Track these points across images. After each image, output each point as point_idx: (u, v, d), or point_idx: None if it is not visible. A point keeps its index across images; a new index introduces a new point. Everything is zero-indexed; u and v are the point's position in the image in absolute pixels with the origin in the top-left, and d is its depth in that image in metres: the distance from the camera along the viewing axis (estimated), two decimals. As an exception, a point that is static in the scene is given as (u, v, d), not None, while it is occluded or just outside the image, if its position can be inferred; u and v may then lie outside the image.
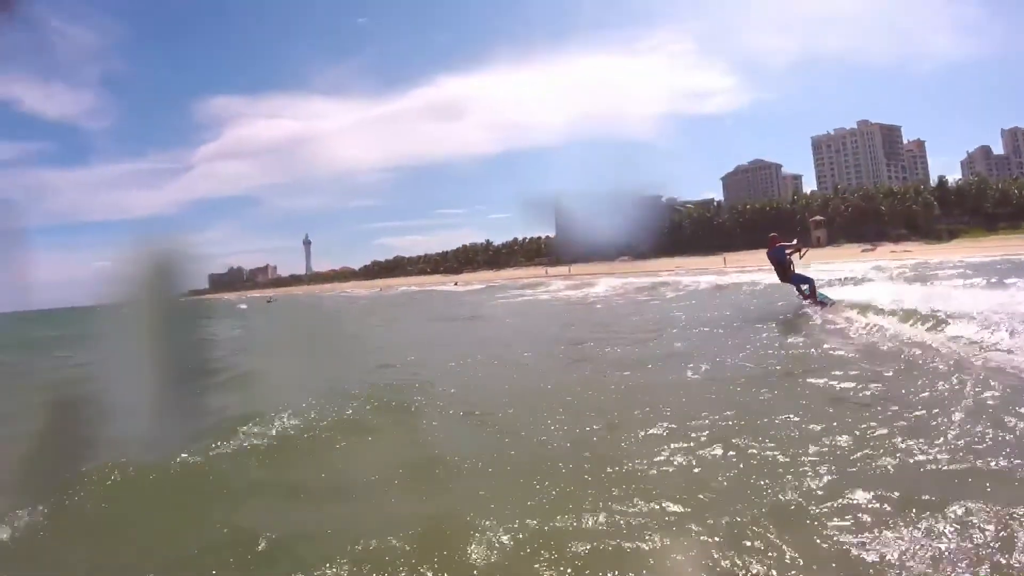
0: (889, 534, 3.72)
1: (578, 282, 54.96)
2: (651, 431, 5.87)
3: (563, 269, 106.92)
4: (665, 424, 6.00)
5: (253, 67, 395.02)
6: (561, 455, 5.41)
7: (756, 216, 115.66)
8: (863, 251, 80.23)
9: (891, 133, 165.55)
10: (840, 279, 21.78)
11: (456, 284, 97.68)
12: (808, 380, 7.61)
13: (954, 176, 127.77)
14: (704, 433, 5.68)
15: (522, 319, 22.77)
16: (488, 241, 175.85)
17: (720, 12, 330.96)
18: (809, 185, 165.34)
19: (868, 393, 6.85)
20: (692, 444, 5.42)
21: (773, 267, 16.52)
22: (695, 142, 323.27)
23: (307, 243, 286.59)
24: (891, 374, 7.61)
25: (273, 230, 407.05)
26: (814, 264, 36.16)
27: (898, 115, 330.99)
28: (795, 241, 16.91)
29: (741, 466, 4.96)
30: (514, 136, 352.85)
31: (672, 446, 5.41)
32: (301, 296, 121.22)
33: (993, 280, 18.36)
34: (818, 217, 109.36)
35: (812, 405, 6.47)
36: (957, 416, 5.74)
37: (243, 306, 68.70)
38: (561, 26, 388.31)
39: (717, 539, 3.82)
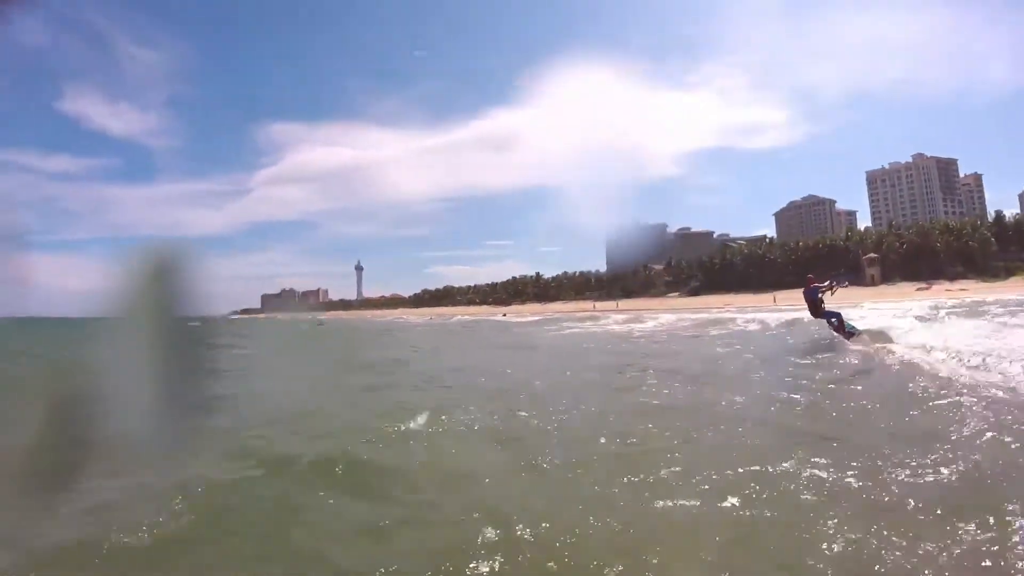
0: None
1: (629, 316, 55.72)
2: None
3: (611, 304, 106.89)
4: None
5: (313, 95, 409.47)
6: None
7: (808, 253, 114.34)
8: (918, 290, 78.92)
9: (947, 167, 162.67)
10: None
11: (504, 315, 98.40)
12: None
13: (1012, 211, 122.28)
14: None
15: (584, 349, 24.02)
16: (538, 274, 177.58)
17: (772, 45, 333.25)
18: (864, 221, 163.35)
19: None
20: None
21: (807, 304, 19.26)
22: (747, 178, 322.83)
23: (359, 268, 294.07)
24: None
25: (326, 255, 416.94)
26: (867, 303, 36.59)
27: (954, 148, 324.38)
28: (827, 282, 19.34)
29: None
30: (563, 169, 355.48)
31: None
32: (355, 320, 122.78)
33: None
34: (872, 255, 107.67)
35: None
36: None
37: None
38: (616, 60, 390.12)
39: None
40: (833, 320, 18.16)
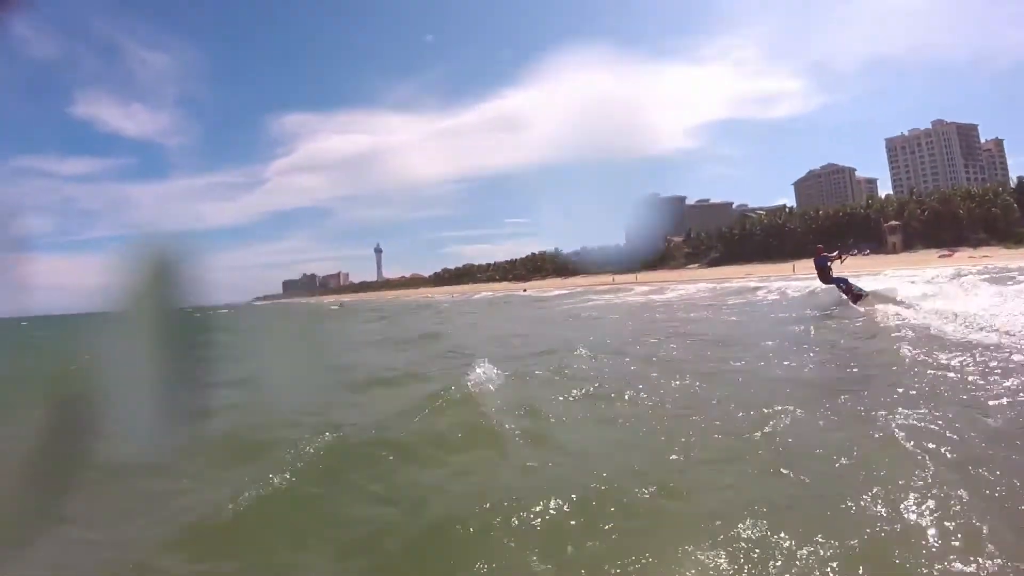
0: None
1: (651, 288, 56.14)
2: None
3: (630, 277, 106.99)
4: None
5: (325, 85, 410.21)
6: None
7: (828, 222, 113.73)
8: (940, 257, 78.41)
9: (968, 132, 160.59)
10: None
11: (525, 291, 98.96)
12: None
13: None
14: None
15: (617, 318, 25.02)
16: (557, 249, 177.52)
17: (786, 15, 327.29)
18: (884, 188, 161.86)
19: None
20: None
21: (816, 271, 21.43)
22: (764, 148, 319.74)
23: (378, 251, 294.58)
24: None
25: (344, 239, 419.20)
26: (889, 270, 37.13)
27: (974, 113, 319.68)
28: (835, 252, 21.72)
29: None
30: (575, 146, 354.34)
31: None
32: (377, 301, 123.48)
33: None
34: (893, 223, 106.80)
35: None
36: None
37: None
38: (625, 36, 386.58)
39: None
40: (841, 285, 20.21)
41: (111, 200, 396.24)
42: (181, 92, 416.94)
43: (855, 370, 9.53)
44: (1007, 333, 11.02)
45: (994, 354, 9.36)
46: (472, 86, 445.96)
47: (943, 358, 9.32)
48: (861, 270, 24.26)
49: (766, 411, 6.86)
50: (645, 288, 58.08)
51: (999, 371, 8.26)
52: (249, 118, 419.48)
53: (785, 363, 10.28)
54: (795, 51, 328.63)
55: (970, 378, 8.01)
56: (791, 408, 6.87)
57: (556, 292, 75.56)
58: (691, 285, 52.97)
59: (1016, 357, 9.05)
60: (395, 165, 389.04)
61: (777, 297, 29.24)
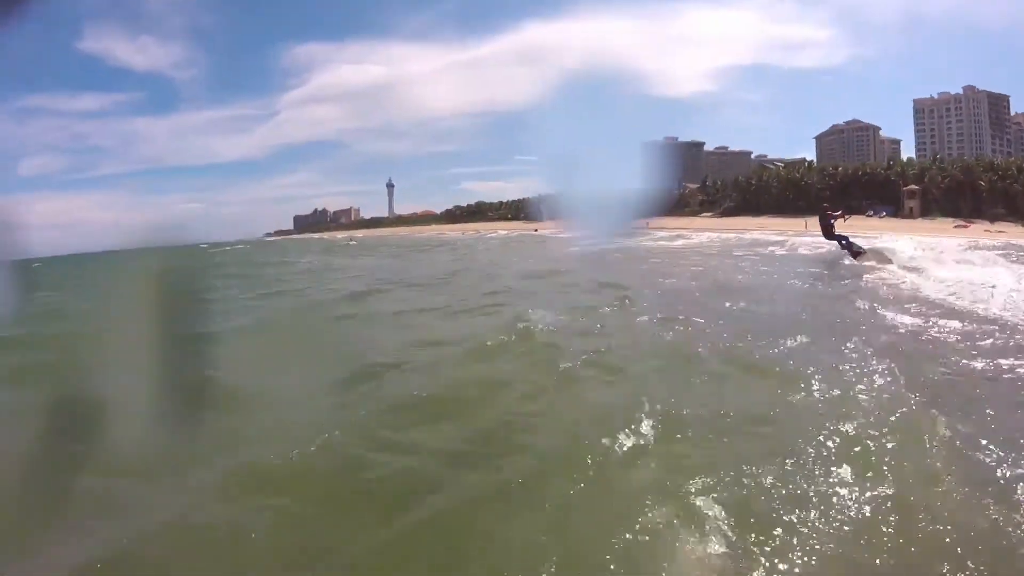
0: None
1: (671, 235, 56.88)
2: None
3: (641, 221, 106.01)
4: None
5: (338, 13, 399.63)
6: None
7: (847, 180, 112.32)
8: (955, 227, 77.51)
9: (999, 102, 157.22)
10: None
11: (536, 230, 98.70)
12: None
13: None
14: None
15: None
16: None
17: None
18: (908, 151, 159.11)
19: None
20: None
21: (821, 228, 24.32)
22: (787, 97, 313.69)
23: (390, 186, 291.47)
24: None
25: (357, 174, 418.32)
26: (905, 235, 38.47)
27: (1009, 84, 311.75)
28: (839, 212, 24.49)
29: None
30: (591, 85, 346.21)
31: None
32: (393, 238, 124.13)
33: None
34: (912, 187, 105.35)
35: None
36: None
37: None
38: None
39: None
40: (843, 242, 22.94)
41: (122, 136, 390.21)
42: (191, 22, 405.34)
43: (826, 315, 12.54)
44: (976, 300, 13.12)
45: (954, 315, 11.58)
46: (491, 17, 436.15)
47: (909, 311, 12.15)
48: (877, 231, 28.82)
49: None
50: (663, 234, 58.63)
51: (950, 329, 10.48)
52: (261, 48, 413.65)
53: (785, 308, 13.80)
54: None
55: (931, 332, 10.40)
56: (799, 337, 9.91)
57: (567, 234, 75.54)
58: (703, 234, 53.96)
59: (967, 320, 11.09)
60: (409, 97, 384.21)
61: (786, 252, 31.85)
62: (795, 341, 9.70)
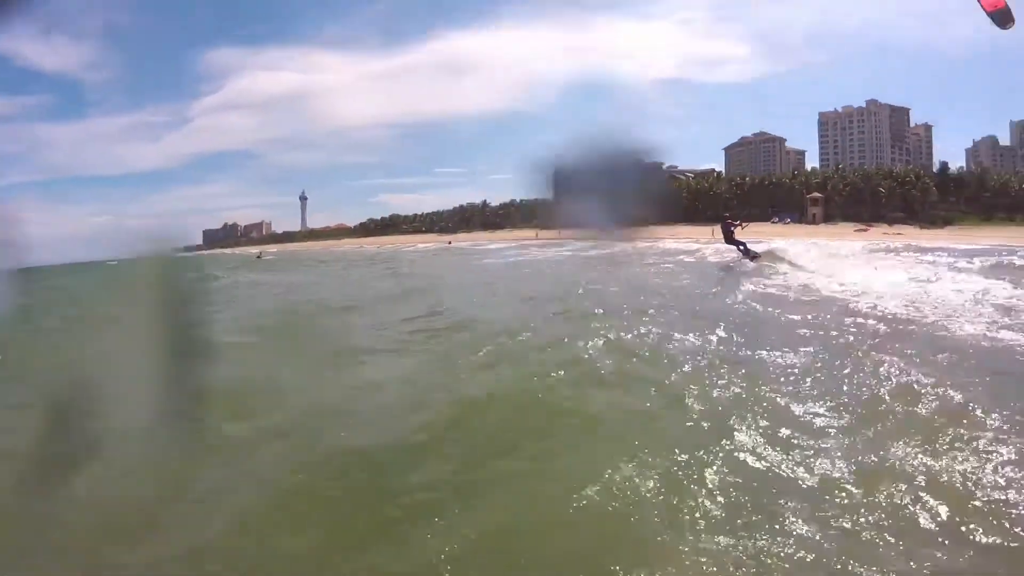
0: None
1: (585, 244, 58.01)
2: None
3: (554, 233, 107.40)
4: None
5: (256, 18, 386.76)
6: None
7: (753, 190, 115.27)
8: (856, 231, 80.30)
9: (899, 115, 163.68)
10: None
11: (450, 243, 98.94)
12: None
13: (958, 164, 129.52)
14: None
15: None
16: (484, 202, 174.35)
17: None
18: (812, 161, 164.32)
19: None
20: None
21: (723, 234, 27.21)
22: (703, 110, 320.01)
23: (303, 199, 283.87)
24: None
25: (270, 185, 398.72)
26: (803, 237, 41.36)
27: (911, 98, 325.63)
28: (738, 221, 27.34)
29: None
30: (519, 96, 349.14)
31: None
32: (307, 252, 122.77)
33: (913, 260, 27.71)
34: (815, 195, 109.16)
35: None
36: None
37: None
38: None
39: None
40: (740, 247, 26.33)
41: (28, 142, 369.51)
42: (105, 21, 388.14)
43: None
44: (847, 289, 15.96)
45: (825, 302, 14.45)
46: (415, 26, 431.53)
47: (784, 299, 15.21)
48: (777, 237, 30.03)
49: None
50: (579, 244, 59.81)
51: (820, 312, 12.84)
52: (175, 51, 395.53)
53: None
54: (745, 16, 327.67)
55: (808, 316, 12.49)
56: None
57: (494, 245, 77.66)
58: (616, 245, 53.97)
59: (832, 307, 13.57)
60: (326, 106, 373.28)
61: (694, 260, 34.08)
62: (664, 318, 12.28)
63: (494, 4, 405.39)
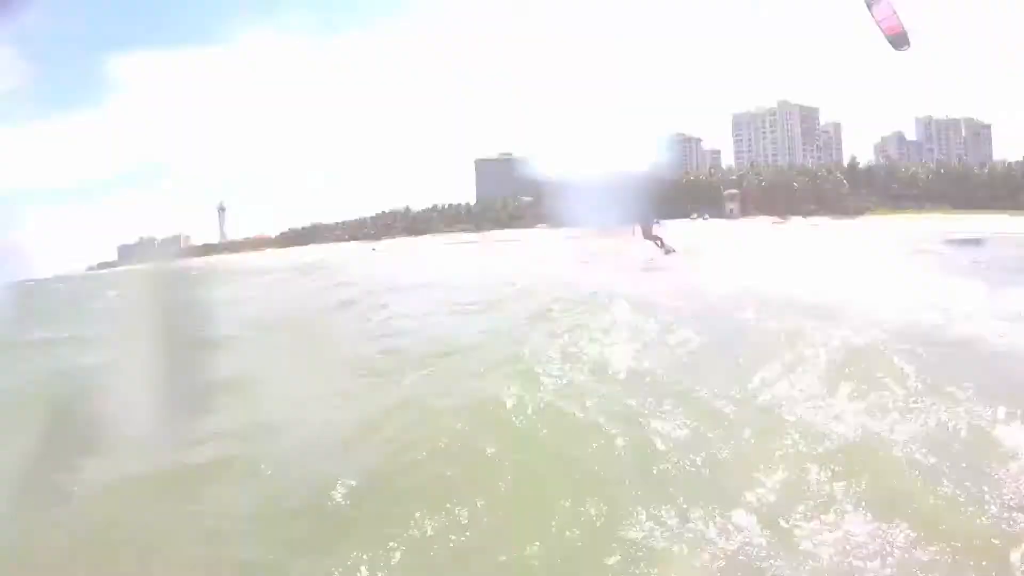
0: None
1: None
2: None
3: (476, 236, 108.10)
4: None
5: (177, 19, 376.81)
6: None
7: (672, 189, 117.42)
8: (773, 223, 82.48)
9: (810, 114, 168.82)
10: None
11: (374, 249, 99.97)
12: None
13: (867, 159, 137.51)
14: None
15: None
16: (407, 207, 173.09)
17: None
18: (727, 160, 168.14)
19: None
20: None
21: (642, 231, 28.45)
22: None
23: (222, 210, 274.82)
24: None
25: (185, 197, 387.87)
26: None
27: (820, 98, 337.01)
28: (655, 219, 29.08)
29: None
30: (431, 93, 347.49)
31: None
32: (231, 265, 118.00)
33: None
34: (732, 191, 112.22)
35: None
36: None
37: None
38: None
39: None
40: (657, 242, 27.96)
41: None
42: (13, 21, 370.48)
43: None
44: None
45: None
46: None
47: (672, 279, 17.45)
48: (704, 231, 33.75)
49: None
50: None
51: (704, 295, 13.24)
52: (87, 54, 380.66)
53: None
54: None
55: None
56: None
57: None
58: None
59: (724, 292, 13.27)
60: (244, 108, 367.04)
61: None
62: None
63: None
